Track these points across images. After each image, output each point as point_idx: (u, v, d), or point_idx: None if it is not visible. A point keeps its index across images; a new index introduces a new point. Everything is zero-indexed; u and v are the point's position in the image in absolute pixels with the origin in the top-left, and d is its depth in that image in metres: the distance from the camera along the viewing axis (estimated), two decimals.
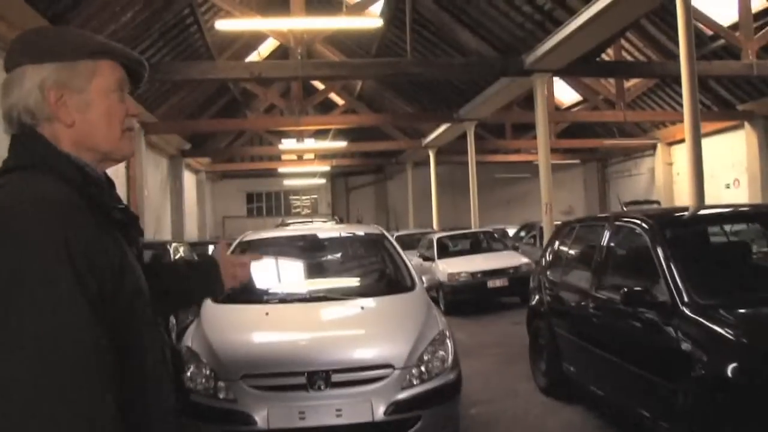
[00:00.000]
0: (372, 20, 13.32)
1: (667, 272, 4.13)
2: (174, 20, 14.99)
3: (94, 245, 1.23)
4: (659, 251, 4.31)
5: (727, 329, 3.61)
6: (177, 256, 11.46)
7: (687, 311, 3.82)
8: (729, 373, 3.40)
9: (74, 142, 1.36)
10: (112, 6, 11.88)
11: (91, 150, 1.39)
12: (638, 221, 4.86)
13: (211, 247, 17.10)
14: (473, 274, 12.31)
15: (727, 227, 5.68)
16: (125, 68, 1.45)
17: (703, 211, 5.96)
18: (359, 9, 13.46)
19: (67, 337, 1.13)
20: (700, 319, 3.74)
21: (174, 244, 11.87)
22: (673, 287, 4.00)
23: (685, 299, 3.88)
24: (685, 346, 3.75)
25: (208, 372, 4.12)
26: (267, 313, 4.76)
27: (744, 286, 4.32)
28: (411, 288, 5.19)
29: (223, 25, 11.04)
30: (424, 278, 5.55)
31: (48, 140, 1.34)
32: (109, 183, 1.47)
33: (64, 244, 1.17)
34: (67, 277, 1.16)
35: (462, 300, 12.10)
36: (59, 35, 1.40)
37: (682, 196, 22.19)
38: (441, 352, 4.34)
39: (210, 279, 1.89)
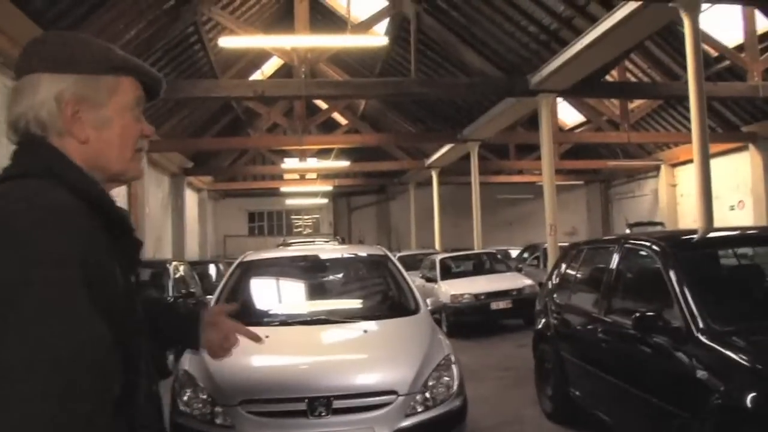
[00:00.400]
0: (378, 38, 13.31)
1: (680, 297, 4.00)
2: (178, 38, 14.99)
3: (107, 267, 1.17)
4: (672, 275, 4.18)
5: (745, 357, 3.48)
6: (177, 275, 11.34)
7: (703, 338, 3.69)
8: (748, 403, 3.27)
9: (84, 160, 1.28)
10: (117, 23, 11.87)
11: (100, 169, 1.31)
12: (649, 244, 4.74)
13: (212, 266, 17.01)
14: (476, 296, 12.17)
15: (739, 250, 5.56)
16: (142, 85, 1.38)
17: (715, 234, 5.84)
18: (364, 28, 13.44)
19: (75, 354, 1.05)
20: (717, 347, 3.60)
21: (174, 263, 11.73)
22: (687, 313, 3.87)
23: (701, 325, 3.75)
24: (701, 374, 3.61)
25: (205, 396, 3.98)
26: (267, 336, 4.59)
27: (759, 312, 4.19)
28: (415, 311, 5.06)
29: (227, 42, 11.02)
30: (428, 300, 5.42)
31: (59, 150, 1.26)
32: None
33: (79, 260, 1.10)
34: (81, 295, 1.08)
35: (465, 322, 11.94)
36: (83, 45, 1.31)
37: (686, 218, 22.12)
38: (446, 378, 4.20)
39: (185, 330, 1.81)
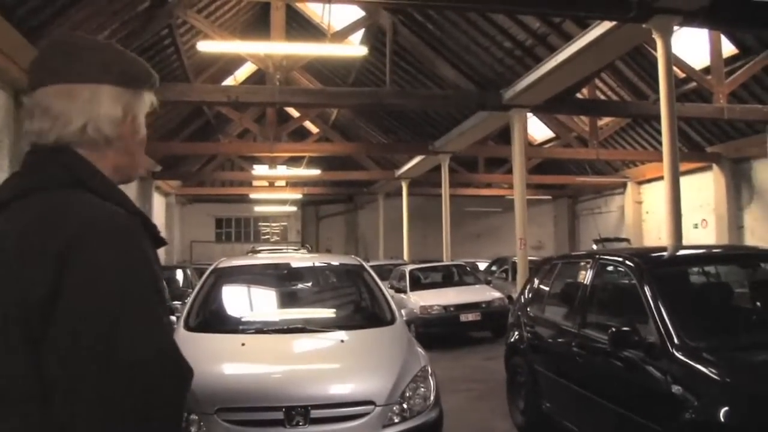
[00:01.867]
0: (357, 48, 13.33)
1: (656, 313, 4.07)
2: (152, 40, 14.82)
3: (159, 269, 1.24)
4: (647, 291, 4.26)
5: (718, 372, 3.56)
6: None
7: (677, 354, 3.75)
8: (721, 417, 3.35)
9: (116, 166, 1.34)
10: (90, 22, 11.69)
11: (123, 174, 1.37)
12: (624, 260, 4.81)
13: (179, 272, 16.78)
14: (446, 308, 12.21)
15: (708, 268, 5.68)
16: None
17: (687, 252, 5.96)
18: (340, 37, 13.45)
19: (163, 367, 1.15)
20: (691, 362, 3.68)
21: None
22: (662, 328, 3.94)
23: (676, 341, 3.82)
24: (676, 388, 3.68)
25: None
26: (243, 344, 4.58)
27: (730, 329, 4.29)
28: (391, 322, 5.06)
29: (205, 46, 10.93)
30: (403, 311, 5.43)
31: (84, 158, 1.28)
32: None
33: (150, 268, 1.19)
34: (157, 306, 1.19)
35: (434, 333, 11.96)
36: (135, 60, 1.39)
37: (651, 235, 22.50)
38: (423, 389, 4.21)
39: None
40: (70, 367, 1.07)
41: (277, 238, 32.64)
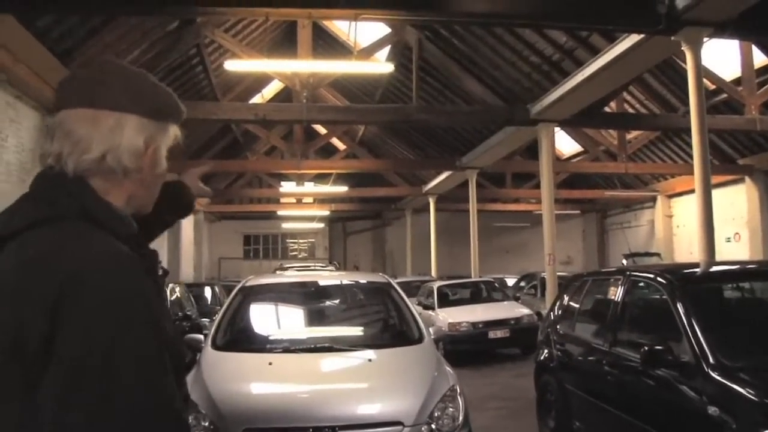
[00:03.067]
0: (383, 65, 13.38)
1: (689, 331, 3.97)
2: (180, 59, 15.03)
3: (160, 307, 1.20)
4: (680, 309, 4.16)
5: (756, 393, 3.45)
6: (173, 297, 11.25)
7: (713, 373, 3.65)
8: None
9: (131, 197, 1.31)
10: (120, 43, 11.90)
11: (139, 206, 1.35)
12: (656, 276, 4.71)
13: (207, 289, 16.88)
14: (474, 324, 12.12)
15: (744, 284, 5.54)
16: None
17: (722, 268, 5.83)
18: (366, 54, 13.50)
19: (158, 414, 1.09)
20: (728, 382, 3.57)
21: (170, 285, 11.64)
22: (697, 347, 3.84)
23: (711, 361, 3.72)
24: (712, 409, 3.57)
25: (207, 424, 3.90)
26: (270, 363, 4.56)
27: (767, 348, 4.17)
28: (419, 340, 5.01)
29: (232, 65, 11.05)
30: (431, 329, 5.37)
31: (92, 188, 1.24)
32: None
33: (149, 310, 1.14)
34: (154, 342, 1.12)
35: (462, 350, 11.86)
36: (166, 93, 1.36)
37: (682, 249, 22.15)
38: (451, 409, 4.14)
39: (179, 197, 1.92)
40: (63, 419, 1.02)
41: (305, 255, 32.75)
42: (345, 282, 6.54)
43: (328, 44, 19.78)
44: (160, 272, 1.36)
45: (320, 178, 25.77)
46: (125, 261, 1.14)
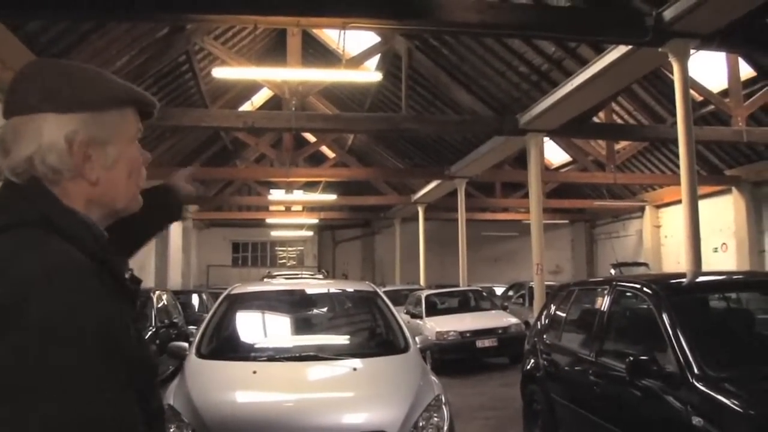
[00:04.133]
0: (372, 74, 13.39)
1: (674, 341, 3.98)
2: (169, 66, 15.01)
3: (120, 321, 1.10)
4: (666, 319, 4.16)
5: (740, 404, 3.45)
6: (160, 305, 11.19)
7: (698, 384, 3.65)
8: None
9: (90, 200, 1.21)
10: (109, 49, 11.86)
11: (104, 207, 1.24)
12: (642, 286, 4.72)
13: (194, 296, 16.80)
14: (462, 333, 12.11)
15: (729, 295, 5.56)
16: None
17: (707, 278, 5.84)
18: (355, 63, 13.51)
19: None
20: (712, 393, 3.58)
21: (157, 292, 11.58)
22: (682, 358, 3.85)
23: (696, 371, 3.72)
24: (696, 420, 3.57)
25: None
26: (254, 372, 4.53)
27: (753, 358, 4.18)
28: (405, 349, 4.99)
29: (220, 72, 11.02)
30: (417, 338, 5.35)
31: (53, 194, 1.17)
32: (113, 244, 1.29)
33: (99, 328, 1.03)
34: (107, 369, 1.02)
35: (449, 359, 11.85)
36: (87, 79, 1.22)
37: (670, 259, 22.24)
38: (436, 419, 4.13)
39: (168, 202, 1.86)
40: None
41: (294, 263, 32.65)
42: (331, 290, 6.52)
43: (317, 52, 19.79)
44: (129, 281, 1.26)
45: (309, 186, 25.72)
46: (77, 275, 1.06)
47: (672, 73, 9.11)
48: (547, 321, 6.51)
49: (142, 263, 20.29)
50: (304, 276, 19.26)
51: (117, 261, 1.21)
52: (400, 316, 5.74)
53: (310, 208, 27.13)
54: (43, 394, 0.96)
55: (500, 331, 12.28)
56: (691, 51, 8.68)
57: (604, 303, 5.21)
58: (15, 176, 1.17)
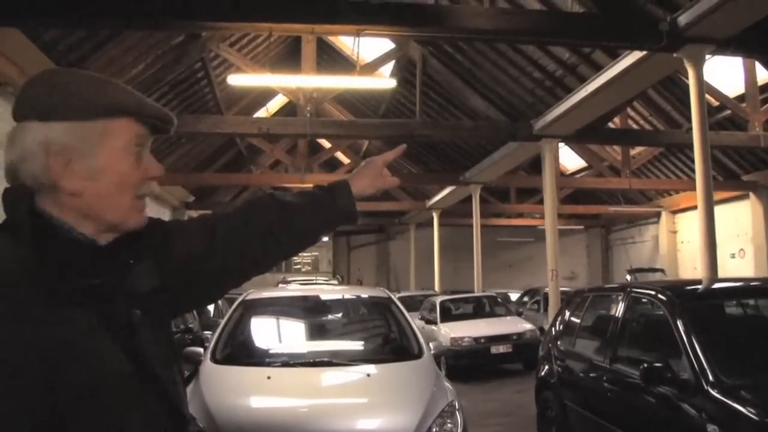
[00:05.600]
0: (386, 81, 13.43)
1: (689, 348, 3.95)
2: (185, 73, 15.12)
3: (15, 336, 1.03)
4: (680, 326, 4.14)
5: (756, 412, 3.42)
6: None
7: (713, 391, 3.63)
8: None
9: (78, 212, 1.17)
10: (126, 57, 11.98)
11: (95, 219, 1.19)
12: (657, 293, 4.70)
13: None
14: (477, 339, 12.08)
15: (745, 301, 5.52)
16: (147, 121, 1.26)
17: (722, 285, 5.81)
18: (370, 69, 13.57)
19: None
20: (727, 401, 3.55)
21: None
22: (696, 365, 3.82)
23: (710, 378, 3.70)
24: (711, 428, 3.54)
25: None
26: (269, 377, 4.55)
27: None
28: (419, 355, 4.99)
29: (235, 80, 11.10)
30: (432, 344, 5.36)
31: (27, 200, 1.15)
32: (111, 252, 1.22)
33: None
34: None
35: (464, 365, 11.82)
36: (72, 88, 1.18)
37: (686, 265, 22.06)
38: (450, 425, 4.12)
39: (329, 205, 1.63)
40: None
41: (309, 269, 32.73)
42: (346, 296, 6.53)
43: (332, 59, 19.87)
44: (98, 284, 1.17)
45: None
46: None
47: (687, 78, 9.08)
48: (561, 327, 6.49)
49: None
50: (318, 282, 19.33)
51: (76, 266, 1.14)
52: (415, 321, 5.74)
53: None
54: None
55: (515, 338, 12.23)
56: (707, 56, 8.64)
57: (618, 309, 5.19)
58: (11, 180, 1.18)
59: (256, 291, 6.38)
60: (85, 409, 1.07)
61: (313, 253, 33.25)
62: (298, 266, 33.11)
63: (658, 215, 23.60)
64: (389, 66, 16.43)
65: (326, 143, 23.55)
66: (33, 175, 1.14)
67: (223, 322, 5.63)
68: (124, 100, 1.21)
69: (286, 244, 1.53)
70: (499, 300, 15.10)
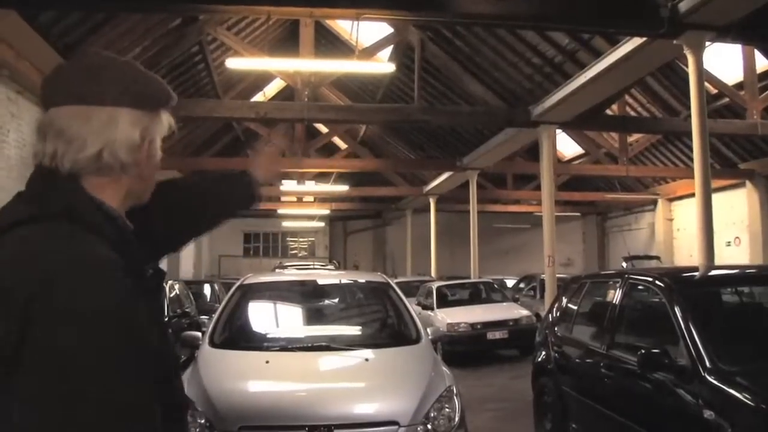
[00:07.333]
0: (385, 65, 13.36)
1: (686, 335, 3.97)
2: (182, 57, 15.03)
3: (142, 313, 1.13)
4: (678, 312, 4.16)
5: (752, 398, 3.45)
6: (172, 294, 11.25)
7: (710, 378, 3.65)
8: None
9: (129, 192, 1.28)
10: (123, 40, 11.90)
11: (135, 198, 1.32)
12: (654, 279, 4.71)
13: (206, 286, 16.88)
14: (473, 325, 12.13)
15: (742, 289, 5.54)
16: None
17: (720, 272, 5.83)
18: (368, 54, 13.49)
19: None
20: (724, 387, 3.58)
21: (169, 282, 11.64)
22: (693, 351, 3.84)
23: (707, 365, 3.72)
24: (708, 413, 3.57)
25: (203, 421, 3.91)
26: (267, 361, 4.56)
27: (765, 352, 4.16)
28: (416, 340, 5.01)
29: (233, 63, 11.02)
30: (429, 330, 5.37)
31: (81, 185, 1.20)
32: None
33: (121, 317, 1.07)
34: (126, 356, 1.06)
35: (460, 351, 11.87)
36: (156, 83, 1.32)
37: (682, 252, 22.14)
38: (447, 409, 4.15)
39: (244, 183, 1.90)
40: (22, 419, 1.01)
41: (305, 254, 32.73)
42: (343, 281, 6.54)
43: (330, 43, 19.77)
44: (151, 273, 1.30)
45: (321, 177, 25.75)
46: (101, 266, 1.09)
47: (686, 66, 9.06)
48: (558, 313, 6.52)
49: None
50: (315, 267, 19.34)
51: (137, 254, 1.22)
52: (412, 307, 5.75)
53: (322, 198, 27.17)
54: (63, 376, 0.99)
55: (511, 323, 12.28)
56: (707, 43, 8.61)
57: (615, 296, 5.21)
58: (69, 167, 1.19)
59: (254, 275, 6.40)
60: (166, 385, 1.24)
61: (310, 239, 33.24)
62: (295, 251, 33.10)
63: (654, 203, 23.64)
64: (387, 51, 16.34)
65: (323, 128, 23.47)
66: (122, 161, 1.22)
67: (221, 306, 5.64)
68: (172, 96, 1.36)
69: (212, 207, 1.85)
70: (496, 286, 15.14)
